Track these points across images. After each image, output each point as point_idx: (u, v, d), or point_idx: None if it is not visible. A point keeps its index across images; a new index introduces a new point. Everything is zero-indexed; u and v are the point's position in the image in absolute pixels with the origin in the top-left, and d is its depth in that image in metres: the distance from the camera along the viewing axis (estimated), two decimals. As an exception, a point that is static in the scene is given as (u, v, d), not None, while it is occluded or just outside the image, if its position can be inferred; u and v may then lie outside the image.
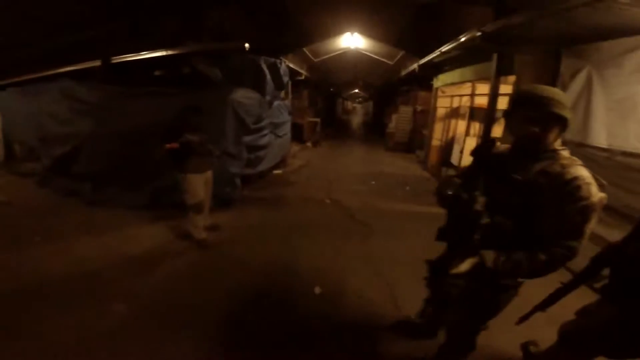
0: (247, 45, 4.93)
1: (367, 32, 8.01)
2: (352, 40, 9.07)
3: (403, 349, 2.17)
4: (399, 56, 9.39)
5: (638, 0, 2.42)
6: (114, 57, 5.68)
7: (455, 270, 1.32)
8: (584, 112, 3.75)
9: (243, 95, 4.86)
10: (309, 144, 10.88)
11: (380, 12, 6.27)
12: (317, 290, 2.80)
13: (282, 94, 7.03)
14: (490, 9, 4.51)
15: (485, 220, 1.28)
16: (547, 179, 1.21)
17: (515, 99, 1.31)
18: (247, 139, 5.07)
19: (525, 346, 2.16)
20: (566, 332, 1.59)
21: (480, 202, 1.29)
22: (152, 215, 4.19)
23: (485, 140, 1.45)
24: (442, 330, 1.97)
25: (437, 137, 8.47)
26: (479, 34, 4.15)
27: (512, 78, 4.81)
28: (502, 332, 1.77)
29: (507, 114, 1.34)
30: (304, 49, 8.72)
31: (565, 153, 1.27)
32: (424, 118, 9.65)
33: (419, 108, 10.14)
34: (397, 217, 4.76)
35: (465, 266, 1.31)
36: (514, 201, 1.27)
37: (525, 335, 2.09)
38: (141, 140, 4.26)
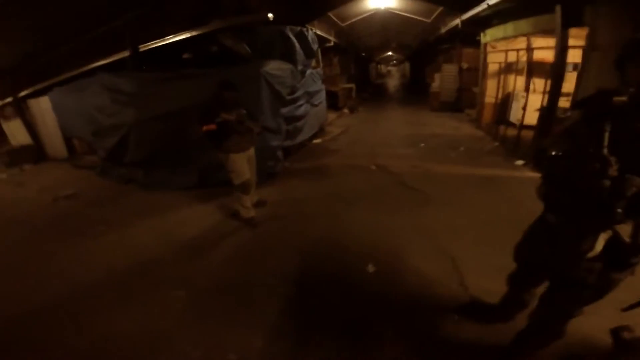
0: (270, 15, 4.64)
1: None
2: (381, 0, 8.30)
3: (471, 335, 1.86)
4: (436, 13, 8.51)
5: None
6: (142, 45, 5.65)
7: (593, 253, 1.11)
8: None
9: (274, 67, 4.67)
10: (345, 110, 10.44)
11: None
12: (371, 268, 2.56)
13: (313, 62, 6.68)
14: None
15: (632, 188, 1.02)
16: None
17: (632, 46, 1.13)
18: (284, 110, 4.95)
19: (616, 332, 1.80)
20: None
21: (614, 163, 1.04)
22: (202, 194, 4.25)
23: (604, 90, 1.18)
24: (521, 313, 1.71)
25: (490, 94, 7.68)
26: None
27: (581, 31, 4.19)
28: (589, 314, 1.42)
29: (621, 61, 1.16)
30: (330, 14, 8.15)
31: None
32: (471, 76, 9.04)
33: (465, 65, 9.35)
34: (454, 181, 4.32)
35: (600, 245, 1.10)
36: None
37: (615, 319, 1.71)
38: (180, 122, 4.29)
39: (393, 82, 26.19)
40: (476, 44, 7.96)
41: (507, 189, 3.96)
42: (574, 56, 4.51)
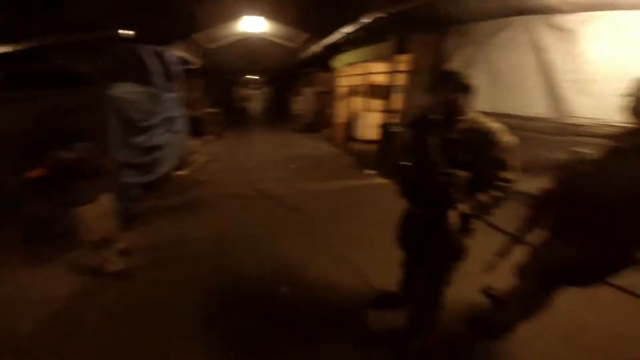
0: (124, 32, 4.02)
1: (268, 14, 7.62)
2: (252, 24, 8.58)
3: (391, 320, 2.23)
4: (303, 39, 9.31)
5: None
6: None
7: (454, 228, 1.55)
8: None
9: (126, 90, 4.09)
10: (210, 136, 9.99)
11: None
12: (283, 290, 2.62)
13: (173, 85, 6.18)
14: None
15: (458, 178, 1.52)
16: (473, 135, 1.55)
17: (442, 76, 1.64)
18: (139, 140, 4.30)
19: (486, 291, 2.45)
20: (525, 269, 1.90)
21: (442, 164, 1.55)
22: (34, 252, 3.14)
23: (424, 113, 1.68)
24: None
25: (340, 115, 8.88)
26: (383, 15, 4.36)
27: (406, 57, 5.30)
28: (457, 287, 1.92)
29: (432, 88, 1.64)
30: (198, 36, 7.79)
31: (476, 115, 1.62)
32: (326, 98, 9.99)
33: (321, 89, 10.41)
34: (327, 195, 4.84)
35: (456, 221, 1.54)
36: (460, 157, 1.54)
37: (477, 285, 2.40)
38: None
39: (257, 105, 26.93)
40: (329, 68, 8.99)
41: (366, 194, 4.83)
42: (402, 79, 5.59)
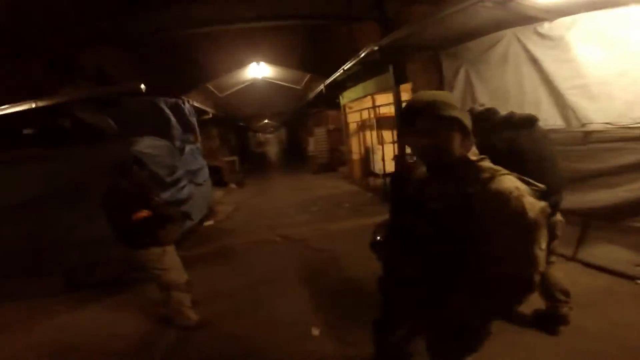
0: (143, 86, 4.24)
1: (270, 60, 8.10)
2: (257, 70, 9.06)
3: None
4: (305, 79, 9.73)
5: (498, 2, 2.89)
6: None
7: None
8: (472, 105, 4.31)
9: (148, 145, 4.23)
10: (232, 185, 10.20)
11: (277, 38, 6.39)
12: (315, 331, 2.54)
13: (191, 136, 6.45)
14: (376, 24, 4.98)
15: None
16: (468, 202, 0.99)
17: (404, 115, 1.14)
18: (165, 195, 4.25)
19: None
20: None
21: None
22: (80, 298, 3.40)
23: (400, 168, 1.36)
24: None
25: (355, 151, 8.92)
26: (376, 47, 4.50)
27: (408, 85, 5.32)
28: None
29: (401, 134, 1.28)
30: (208, 85, 8.30)
31: (484, 164, 1.06)
32: (337, 136, 10.17)
33: (331, 127, 10.64)
34: (350, 235, 4.66)
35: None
36: (431, 233, 1.07)
37: None
38: (31, 215, 3.65)
39: (273, 149, 27.92)
40: (338, 106, 9.11)
41: None
42: None
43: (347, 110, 8.69)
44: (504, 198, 0.93)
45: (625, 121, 2.73)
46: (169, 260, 2.61)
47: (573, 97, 3.19)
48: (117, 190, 2.50)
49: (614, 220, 2.84)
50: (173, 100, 5.33)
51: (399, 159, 5.75)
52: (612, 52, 2.87)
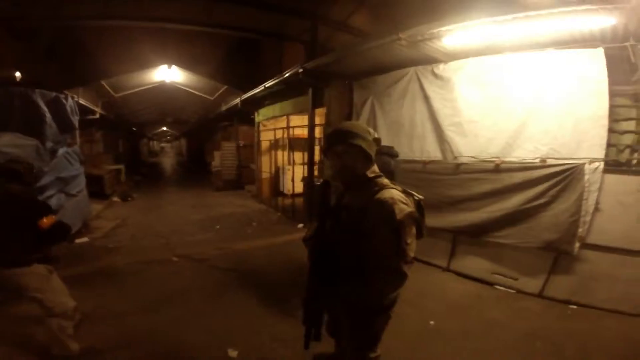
0: (18, 74, 3.41)
1: (185, 65, 7.50)
2: (167, 74, 8.24)
3: None
4: (220, 91, 9.28)
5: (412, 42, 3.36)
6: None
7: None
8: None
9: (8, 143, 3.45)
10: (115, 198, 8.62)
11: (197, 44, 6.02)
12: (232, 353, 2.35)
13: (69, 138, 5.32)
14: (302, 46, 5.20)
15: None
16: (364, 208, 1.33)
17: (327, 137, 1.50)
18: None
19: None
20: None
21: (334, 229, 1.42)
22: None
23: (324, 182, 1.51)
24: None
25: (265, 170, 8.83)
26: (301, 70, 4.67)
27: (321, 110, 5.63)
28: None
29: (324, 152, 1.52)
30: (103, 83, 7.04)
31: (380, 180, 1.41)
32: (248, 152, 9.90)
33: (242, 143, 10.30)
34: (259, 253, 4.53)
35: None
36: (345, 231, 1.38)
37: None
38: None
39: (169, 161, 24.98)
40: (251, 122, 8.91)
41: (298, 249, 4.57)
42: (319, 131, 5.75)
43: (262, 127, 8.60)
44: (381, 205, 1.29)
45: (485, 155, 3.49)
46: (56, 282, 2.22)
47: (450, 132, 3.79)
48: (9, 194, 2.05)
49: (477, 237, 3.54)
50: (53, 94, 4.47)
51: (308, 180, 5.96)
52: (482, 94, 3.52)
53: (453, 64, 3.77)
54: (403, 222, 1.27)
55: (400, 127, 4.36)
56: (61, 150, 4.70)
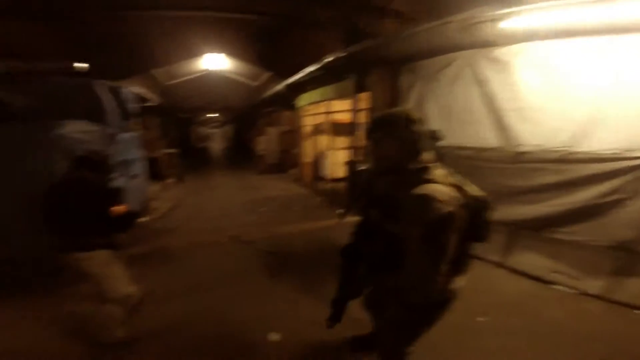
0: (78, 65, 3.70)
1: (230, 52, 7.70)
2: (213, 61, 8.55)
3: None
4: (263, 77, 9.44)
5: (465, 26, 3.12)
6: None
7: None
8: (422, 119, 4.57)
9: (77, 130, 3.69)
10: (170, 180, 9.35)
11: (239, 30, 6.09)
12: (274, 336, 2.44)
13: (129, 124, 5.78)
14: (340, 33, 5.03)
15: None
16: (398, 202, 1.25)
17: (368, 125, 1.41)
18: None
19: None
20: None
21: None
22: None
23: (354, 167, 1.54)
24: None
25: (307, 154, 8.90)
26: (343, 55, 4.56)
27: (365, 94, 5.48)
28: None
29: (368, 137, 1.42)
30: (154, 72, 7.53)
31: (428, 172, 1.28)
32: (291, 137, 9.98)
33: (285, 128, 10.41)
34: (301, 238, 4.62)
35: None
36: (386, 222, 1.33)
37: None
38: None
39: (217, 146, 26.37)
40: (293, 108, 9.01)
41: (337, 234, 4.58)
42: (363, 117, 5.61)
43: (303, 113, 8.63)
44: (414, 201, 1.19)
45: (550, 145, 3.14)
46: (117, 268, 2.27)
47: (510, 119, 3.50)
48: (83, 182, 2.15)
49: (536, 231, 3.25)
50: (110, 84, 4.77)
51: (351, 165, 5.88)
52: (547, 79, 3.19)
53: (513, 48, 3.45)
54: (434, 224, 1.15)
55: (452, 112, 4.14)
56: (122, 136, 5.12)
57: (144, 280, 2.99)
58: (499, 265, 3.53)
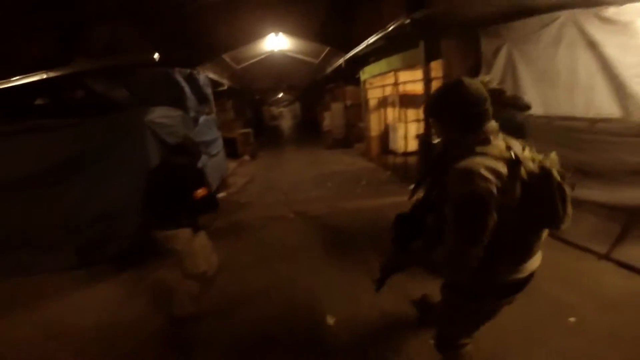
0: (156, 56, 4.09)
1: (289, 31, 7.73)
2: (275, 42, 8.75)
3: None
4: (324, 53, 9.34)
5: None
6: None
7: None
8: (513, 86, 3.88)
9: (162, 115, 4.09)
10: (246, 157, 10.09)
11: (297, 7, 5.99)
12: (330, 320, 2.42)
13: (206, 108, 6.28)
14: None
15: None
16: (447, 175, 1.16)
17: (429, 97, 1.30)
18: None
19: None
20: None
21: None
22: (90, 275, 3.39)
23: (426, 139, 1.32)
24: None
25: (374, 128, 8.60)
26: (408, 21, 4.11)
27: (437, 63, 4.92)
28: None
29: (425, 111, 1.36)
30: (225, 57, 8.01)
31: (481, 146, 1.12)
32: (356, 112, 9.79)
33: (349, 103, 10.24)
34: (367, 214, 4.49)
35: None
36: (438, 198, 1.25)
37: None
38: (42, 187, 3.54)
39: (286, 123, 27.46)
40: (357, 81, 8.75)
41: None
42: (435, 87, 5.12)
43: (368, 86, 8.26)
44: (451, 175, 1.09)
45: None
46: (198, 245, 2.43)
47: (636, 85, 2.99)
48: (175, 167, 2.32)
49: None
50: (187, 71, 5.19)
51: (423, 137, 5.43)
52: None
53: (632, 6, 3.03)
54: (464, 200, 1.05)
55: (554, 78, 3.64)
56: (201, 119, 5.59)
57: (221, 253, 3.29)
58: (604, 257, 2.83)
